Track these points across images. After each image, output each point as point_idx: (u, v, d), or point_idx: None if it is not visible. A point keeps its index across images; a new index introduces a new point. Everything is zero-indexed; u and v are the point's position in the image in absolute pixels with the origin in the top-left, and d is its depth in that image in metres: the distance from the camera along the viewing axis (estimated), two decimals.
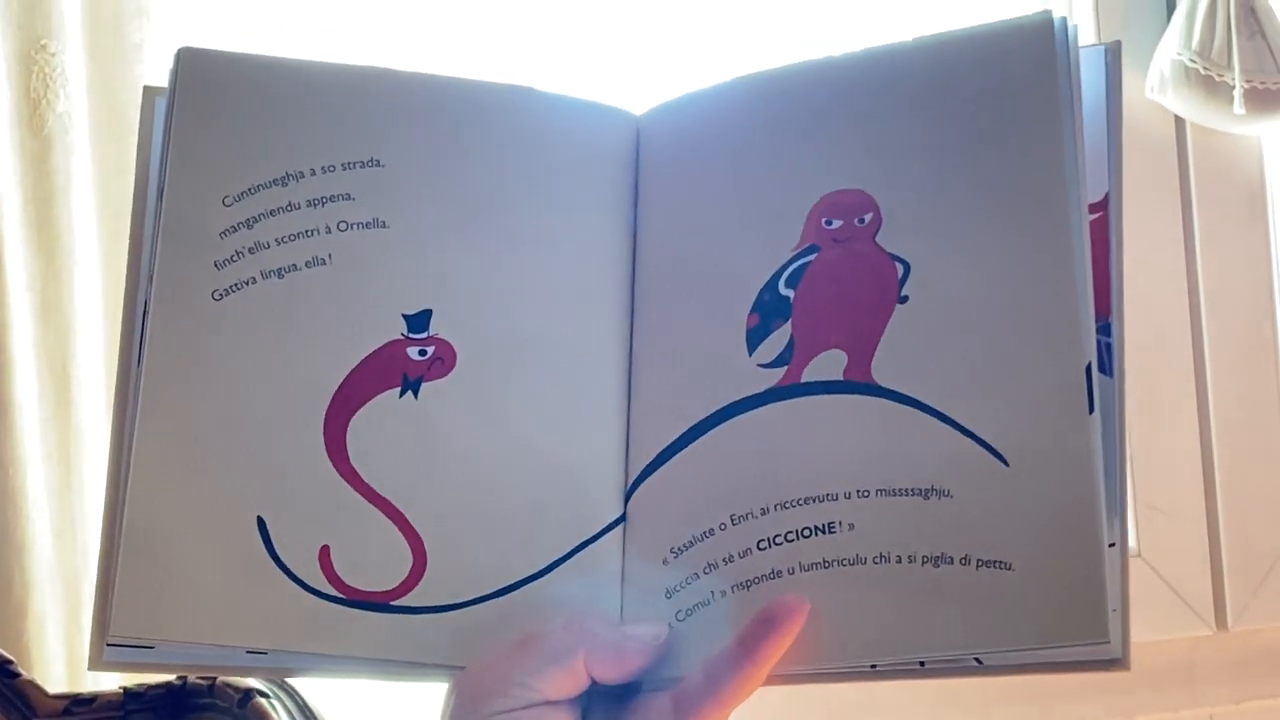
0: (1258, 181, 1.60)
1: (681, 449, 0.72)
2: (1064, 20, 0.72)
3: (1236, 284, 1.58)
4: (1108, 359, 0.69)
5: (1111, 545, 0.65)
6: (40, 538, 1.14)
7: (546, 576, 0.71)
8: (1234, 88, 1.48)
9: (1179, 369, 1.56)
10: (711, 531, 0.70)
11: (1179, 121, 1.56)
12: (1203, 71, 1.49)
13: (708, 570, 0.70)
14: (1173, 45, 1.51)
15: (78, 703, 0.98)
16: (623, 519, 0.73)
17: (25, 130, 1.17)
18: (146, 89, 0.77)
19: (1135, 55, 1.56)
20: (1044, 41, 0.72)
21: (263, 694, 0.95)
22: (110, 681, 1.11)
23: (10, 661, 0.97)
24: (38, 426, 1.15)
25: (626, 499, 0.73)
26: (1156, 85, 1.52)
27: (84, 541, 1.17)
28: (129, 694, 0.99)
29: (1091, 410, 0.66)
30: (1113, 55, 0.73)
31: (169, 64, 0.73)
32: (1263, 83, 1.49)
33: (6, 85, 1.16)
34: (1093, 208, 0.70)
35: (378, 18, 1.39)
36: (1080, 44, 0.72)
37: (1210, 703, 1.56)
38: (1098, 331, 0.68)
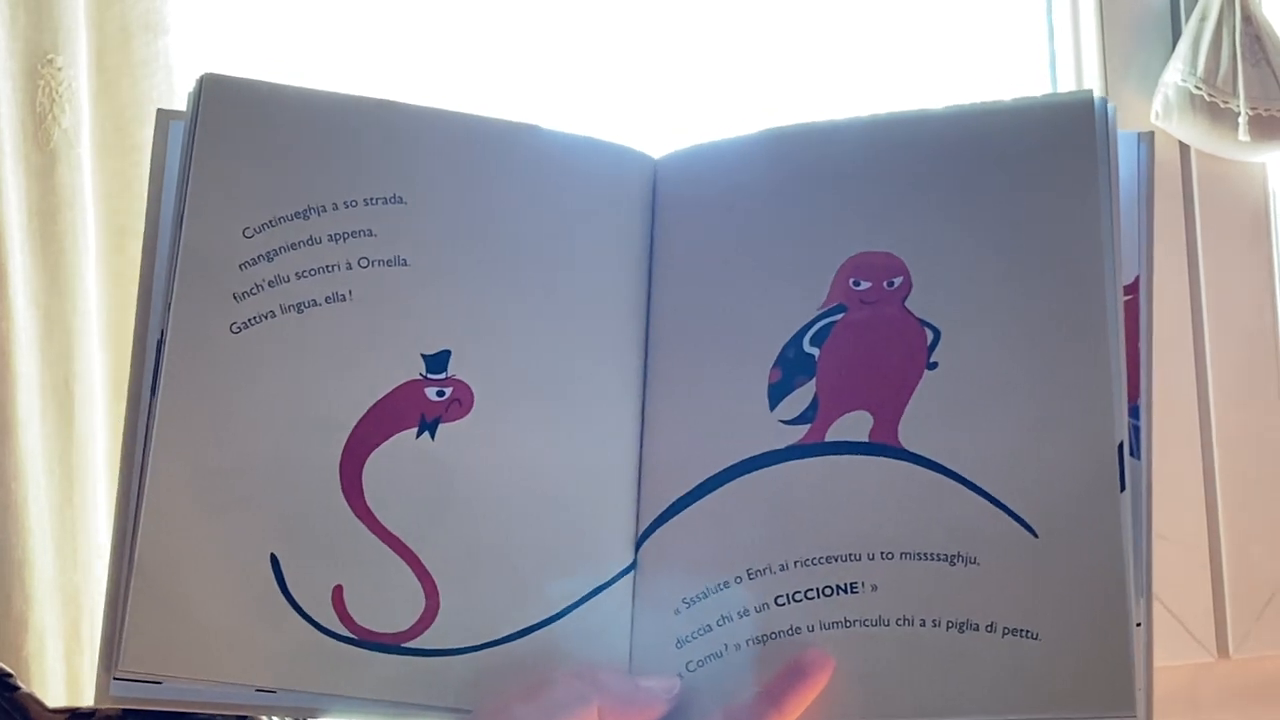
0: (1262, 208, 1.60)
1: (697, 499, 0.72)
2: (1104, 100, 0.72)
3: (1241, 310, 1.58)
4: (1136, 442, 0.69)
5: (1138, 625, 0.66)
6: (41, 552, 1.13)
7: (557, 622, 0.71)
8: (1239, 115, 1.48)
9: (1182, 395, 1.56)
10: (727, 584, 0.70)
11: (1184, 148, 1.56)
12: (1208, 98, 1.49)
13: (721, 623, 0.70)
14: (1178, 72, 1.51)
15: (76, 716, 0.97)
16: (634, 566, 0.72)
17: (30, 144, 1.16)
18: (160, 112, 0.77)
19: (1140, 81, 1.56)
20: (1084, 120, 0.72)
21: None
22: None
23: (10, 675, 0.97)
24: (39, 441, 1.15)
25: (638, 546, 0.73)
26: (1161, 111, 1.52)
27: (85, 556, 1.16)
28: (128, 710, 0.98)
29: (1123, 489, 0.67)
30: (1146, 142, 0.74)
31: (175, 80, 0.73)
32: (1267, 109, 1.49)
33: (12, 99, 1.16)
34: (1124, 290, 0.71)
35: (392, 43, 1.40)
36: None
37: None
38: (1128, 414, 0.69)
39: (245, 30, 1.32)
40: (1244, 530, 1.56)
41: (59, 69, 1.17)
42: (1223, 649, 1.55)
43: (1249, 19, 1.51)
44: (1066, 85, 1.61)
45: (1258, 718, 1.57)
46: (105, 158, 1.20)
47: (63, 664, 1.15)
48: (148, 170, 1.18)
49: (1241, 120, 1.48)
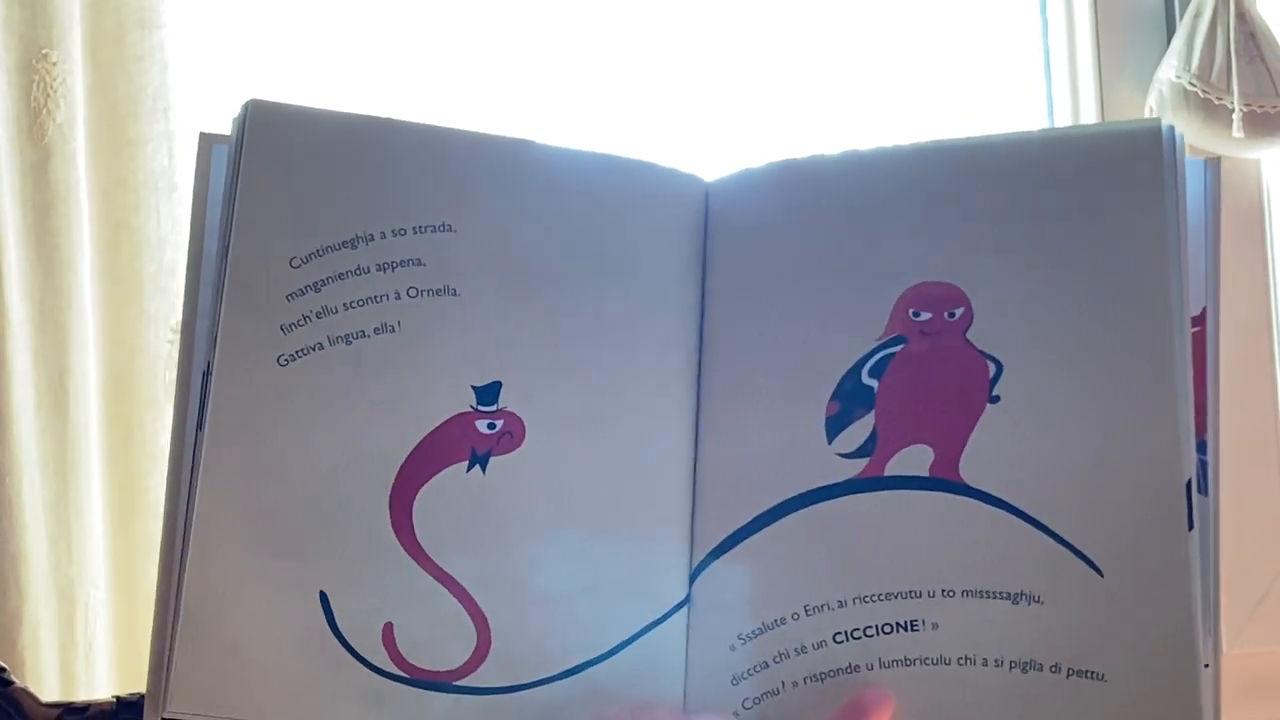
0: (1256, 205, 1.60)
1: (753, 533, 0.71)
2: (1171, 128, 0.71)
3: (1234, 305, 1.57)
4: (1204, 478, 0.68)
5: (1206, 666, 0.65)
6: (36, 547, 1.13)
7: (611, 659, 0.70)
8: (1233, 111, 1.48)
9: None
10: (783, 620, 0.69)
11: None
12: (1202, 95, 1.49)
13: (778, 660, 0.69)
14: (1172, 68, 1.51)
15: (71, 711, 0.97)
16: (688, 601, 0.71)
17: (25, 139, 1.17)
18: (203, 135, 0.75)
19: (1135, 78, 1.56)
20: (1153, 147, 0.70)
21: None
22: (104, 691, 1.11)
23: (4, 670, 0.97)
24: (34, 436, 1.15)
25: (691, 581, 0.71)
26: (1156, 108, 1.52)
27: (79, 551, 1.16)
28: (122, 703, 0.98)
29: (1191, 527, 0.65)
30: (1212, 169, 0.72)
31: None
32: (1261, 106, 1.49)
33: (7, 94, 1.16)
34: (1192, 322, 0.69)
35: (394, 45, 1.40)
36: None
37: None
38: (1196, 450, 0.67)
39: (239, 25, 1.32)
40: (1237, 527, 1.56)
41: (54, 64, 1.17)
42: (1216, 645, 1.55)
43: (1243, 16, 1.51)
44: (1060, 81, 1.61)
45: (1252, 713, 1.57)
46: (100, 153, 1.21)
47: (57, 658, 1.15)
48: (141, 165, 1.20)
49: (1236, 117, 1.48)
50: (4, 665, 0.98)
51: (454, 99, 1.40)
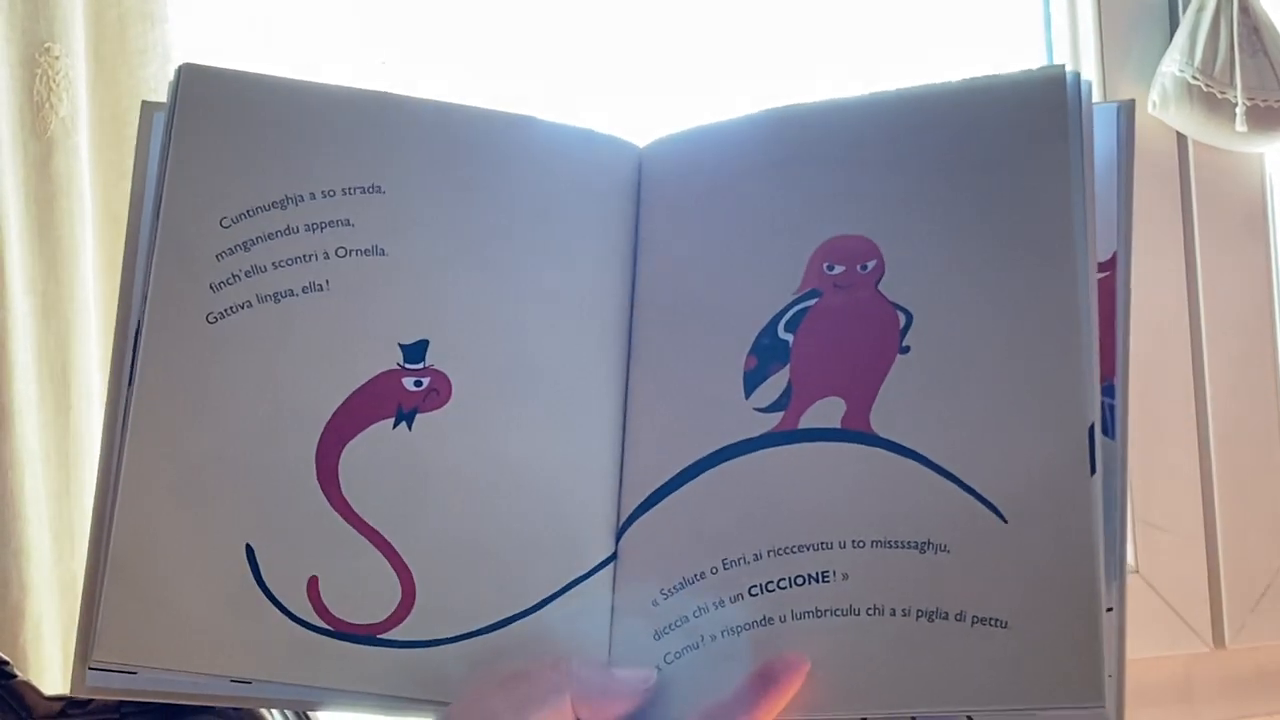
0: (1259, 199, 1.60)
1: (675, 489, 0.72)
2: (1076, 74, 0.71)
3: (1237, 301, 1.58)
4: (1111, 421, 0.69)
5: (1109, 610, 0.65)
6: (38, 540, 1.13)
7: (536, 614, 0.71)
8: (1236, 105, 1.48)
9: (1178, 386, 1.56)
10: (703, 574, 0.70)
11: (1180, 138, 1.56)
12: (1205, 88, 1.49)
13: (698, 614, 0.69)
14: (1175, 62, 1.51)
15: (74, 704, 0.97)
16: (613, 557, 0.72)
17: (28, 133, 1.17)
18: (145, 104, 0.77)
19: (1138, 71, 1.56)
20: (1056, 95, 0.71)
21: None
22: None
23: (6, 663, 0.97)
24: (37, 429, 1.15)
25: (618, 537, 0.72)
26: (1159, 101, 1.52)
27: (82, 545, 1.16)
28: (124, 700, 0.98)
29: (1093, 471, 0.66)
30: (1125, 114, 0.72)
31: (171, 69, 0.72)
32: (1264, 100, 1.49)
33: (10, 88, 1.16)
34: (1100, 267, 0.70)
35: (382, 35, 1.40)
36: (1094, 100, 0.71)
37: None
38: (1102, 393, 0.68)
39: (242, 18, 1.32)
40: (1240, 521, 1.56)
41: (56, 58, 1.17)
42: (1219, 639, 1.55)
43: (1246, 9, 1.51)
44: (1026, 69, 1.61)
45: (1253, 708, 1.57)
46: (102, 146, 1.21)
47: (59, 652, 1.15)
48: None
49: (1239, 111, 1.48)
50: (7, 659, 0.98)
51: (454, 91, 1.40)
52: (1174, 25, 1.56)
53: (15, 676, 0.97)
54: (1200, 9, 1.52)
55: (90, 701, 0.98)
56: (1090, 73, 1.57)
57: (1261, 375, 1.58)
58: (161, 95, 1.20)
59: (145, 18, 1.20)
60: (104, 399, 1.19)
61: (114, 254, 1.20)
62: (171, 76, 0.76)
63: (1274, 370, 1.59)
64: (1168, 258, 1.56)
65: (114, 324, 1.18)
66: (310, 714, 0.97)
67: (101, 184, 1.20)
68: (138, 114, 1.18)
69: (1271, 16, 1.53)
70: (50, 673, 1.13)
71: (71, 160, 1.17)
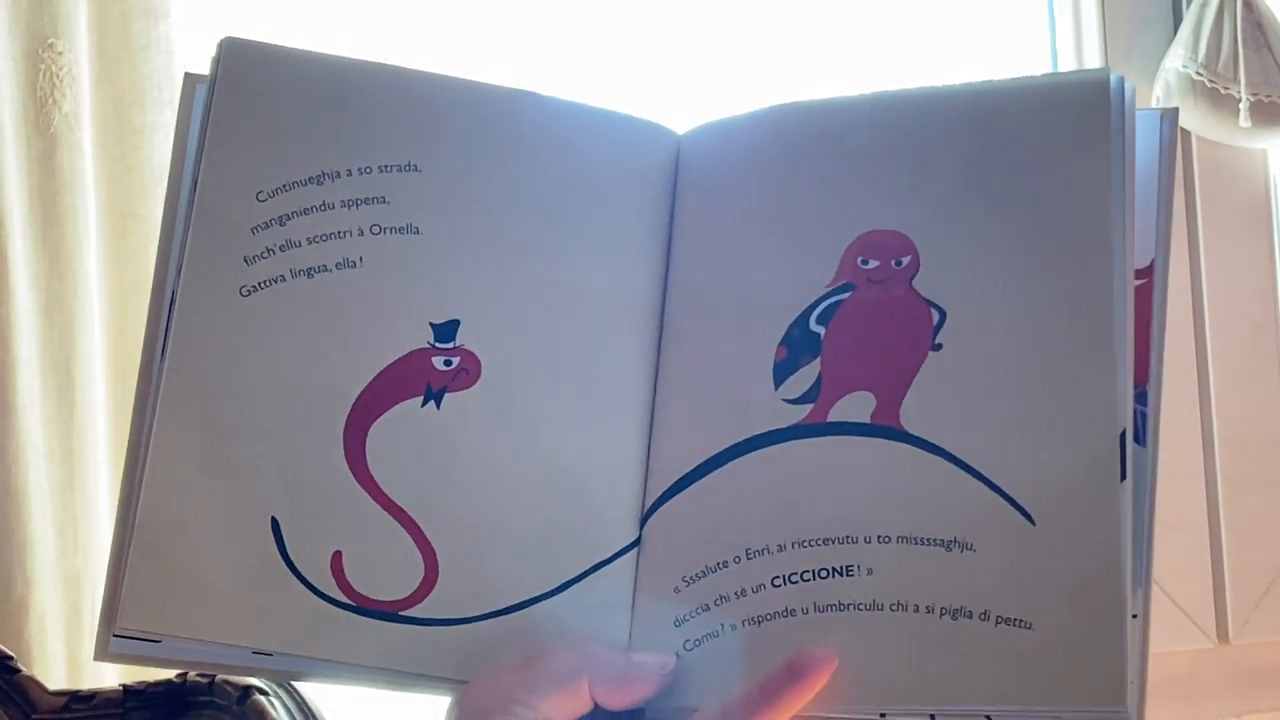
0: (1262, 195, 1.60)
1: (701, 477, 0.71)
2: (1120, 79, 0.71)
3: (1241, 296, 1.58)
4: (1143, 428, 0.68)
5: (1134, 617, 0.64)
6: (42, 535, 1.14)
7: (557, 596, 0.71)
8: (1240, 101, 1.48)
9: (1182, 384, 1.56)
10: (725, 564, 0.70)
11: (1185, 134, 1.56)
12: (1209, 84, 1.49)
13: (719, 603, 0.69)
14: (1179, 57, 1.51)
15: (78, 699, 0.97)
16: (637, 543, 0.72)
17: (31, 128, 1.17)
18: (188, 75, 0.76)
19: (1141, 67, 1.56)
20: (1099, 99, 0.71)
21: (261, 691, 0.95)
22: (111, 679, 1.11)
23: (10, 658, 0.97)
24: (40, 424, 1.15)
25: (642, 523, 0.72)
26: (1162, 97, 1.52)
27: (85, 539, 1.17)
28: (129, 691, 0.98)
29: (1124, 478, 0.65)
30: (1169, 120, 0.72)
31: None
32: (1268, 96, 1.49)
33: (13, 83, 1.16)
34: (1138, 273, 0.70)
35: (400, 22, 1.40)
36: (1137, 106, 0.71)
37: (1211, 716, 1.56)
38: (1135, 400, 0.67)
39: (246, 14, 1.32)
40: (1244, 516, 1.56)
41: (60, 53, 1.17)
42: (1223, 635, 1.55)
43: (1250, 5, 1.51)
44: (1068, 70, 1.61)
45: (1258, 703, 1.57)
46: (106, 142, 1.21)
47: (63, 647, 1.15)
48: (147, 154, 1.21)
49: (1242, 106, 1.48)
50: (11, 654, 0.98)
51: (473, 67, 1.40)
52: (1177, 21, 1.56)
53: (19, 671, 0.97)
54: (1204, 4, 1.52)
55: (94, 695, 0.98)
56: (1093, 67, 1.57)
57: (1266, 370, 1.58)
58: (164, 91, 1.20)
59: (148, 13, 1.21)
60: (109, 394, 1.19)
61: (118, 249, 1.21)
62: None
63: (1278, 367, 1.59)
64: (1172, 253, 1.56)
65: (119, 319, 1.19)
66: (307, 705, 0.97)
67: (105, 180, 1.20)
68: (142, 109, 1.20)
69: (1275, 12, 1.53)
70: (54, 668, 1.14)
71: (74, 156, 1.17)
